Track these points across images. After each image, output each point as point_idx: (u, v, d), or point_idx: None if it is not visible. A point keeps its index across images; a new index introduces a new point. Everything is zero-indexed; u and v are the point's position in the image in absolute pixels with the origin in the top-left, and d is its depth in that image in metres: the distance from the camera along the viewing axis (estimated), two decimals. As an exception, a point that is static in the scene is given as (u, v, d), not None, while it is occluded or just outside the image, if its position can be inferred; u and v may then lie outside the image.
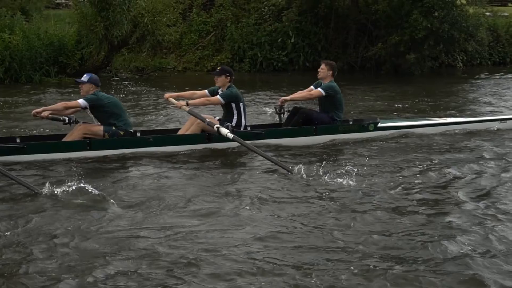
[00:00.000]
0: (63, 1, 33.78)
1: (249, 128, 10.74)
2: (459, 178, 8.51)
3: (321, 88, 10.91)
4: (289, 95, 11.65)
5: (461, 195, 7.66)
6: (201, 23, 28.90)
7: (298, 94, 11.35)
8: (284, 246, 5.96)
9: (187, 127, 10.50)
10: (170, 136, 10.28)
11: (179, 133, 10.45)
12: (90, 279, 5.17)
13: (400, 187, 7.97)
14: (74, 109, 9.95)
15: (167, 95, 10.79)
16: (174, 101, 10.44)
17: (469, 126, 11.99)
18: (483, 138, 11.37)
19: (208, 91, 10.81)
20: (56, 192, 7.43)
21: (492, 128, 12.03)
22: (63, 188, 7.53)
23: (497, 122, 12.29)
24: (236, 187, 7.92)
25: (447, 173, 8.71)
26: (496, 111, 15.35)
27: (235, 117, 10.47)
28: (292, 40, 27.52)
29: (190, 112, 10.14)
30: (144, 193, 7.66)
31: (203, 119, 9.96)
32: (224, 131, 9.50)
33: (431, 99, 17.89)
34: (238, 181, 8.25)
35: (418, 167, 9.09)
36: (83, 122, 10.07)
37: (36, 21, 24.18)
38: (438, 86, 21.12)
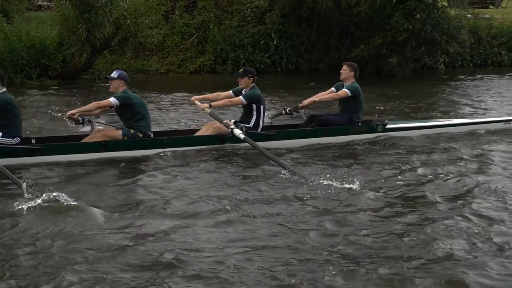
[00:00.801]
0: (45, 3, 33.61)
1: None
2: (464, 178, 8.65)
3: (347, 89, 11.08)
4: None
5: (467, 196, 7.81)
6: (183, 25, 28.87)
7: (325, 95, 11.40)
8: (272, 245, 6.06)
9: (206, 128, 10.75)
10: (184, 137, 10.48)
11: (197, 134, 10.67)
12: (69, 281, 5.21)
13: (403, 188, 8.13)
14: (104, 108, 10.15)
15: (193, 98, 11.03)
16: (199, 103, 10.68)
17: (475, 127, 12.21)
18: (488, 139, 11.56)
19: (232, 91, 11.01)
20: (55, 195, 7.37)
21: (497, 129, 12.25)
22: (69, 189, 7.71)
23: (502, 123, 12.54)
24: (241, 188, 8.06)
25: (452, 174, 8.88)
26: (477, 113, 15.48)
27: (253, 118, 10.68)
28: (275, 42, 27.54)
29: (211, 114, 10.38)
30: (153, 193, 7.84)
31: (220, 120, 10.16)
32: (237, 131, 9.76)
33: (412, 101, 18.01)
34: (244, 182, 8.40)
35: (422, 167, 9.23)
36: (96, 121, 10.18)
37: (17, 23, 24.03)
38: (419, 88, 21.23)
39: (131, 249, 5.92)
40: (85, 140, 9.97)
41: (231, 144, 10.19)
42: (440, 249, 5.91)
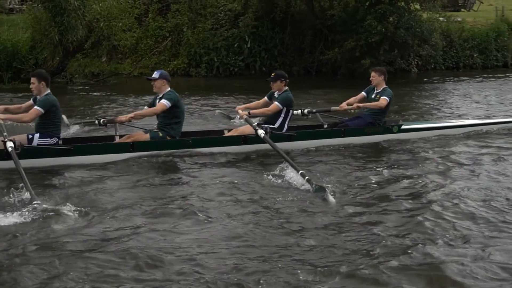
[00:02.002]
0: (16, 6, 33.31)
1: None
2: (475, 178, 8.77)
3: (386, 96, 11.35)
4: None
5: (478, 195, 7.83)
6: (157, 28, 28.86)
7: (371, 104, 11.55)
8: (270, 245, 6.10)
9: (234, 132, 10.95)
10: (208, 138, 10.69)
11: (228, 134, 10.97)
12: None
13: (417, 187, 8.22)
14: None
15: (237, 107, 11.34)
16: (241, 112, 10.89)
17: (487, 128, 12.46)
18: (501, 138, 11.79)
19: (266, 96, 11.30)
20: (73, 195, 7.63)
21: (510, 128, 12.53)
22: (91, 191, 7.84)
23: None
24: (252, 189, 8.12)
25: (465, 173, 9.01)
26: (451, 116, 15.59)
27: (280, 120, 10.80)
28: (249, 45, 27.62)
29: (246, 120, 10.52)
30: (172, 192, 7.95)
31: (251, 123, 10.30)
32: (260, 132, 9.90)
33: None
34: (252, 182, 8.41)
35: (434, 167, 9.41)
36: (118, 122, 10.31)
37: (-12, 26, 23.89)
38: (392, 91, 21.33)
39: (165, 247, 5.99)
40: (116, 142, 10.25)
41: (254, 145, 10.36)
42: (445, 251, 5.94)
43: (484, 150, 10.69)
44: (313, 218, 6.97)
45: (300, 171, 8.31)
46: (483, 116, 15.13)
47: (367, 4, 25.48)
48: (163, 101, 10.01)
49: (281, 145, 9.79)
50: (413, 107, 17.92)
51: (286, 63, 28.01)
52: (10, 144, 8.49)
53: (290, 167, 8.59)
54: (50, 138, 9.52)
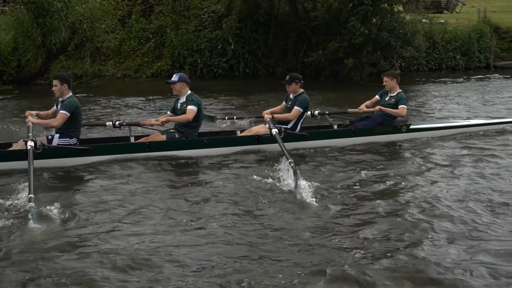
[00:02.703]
0: (-1, 7, 33.12)
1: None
2: (489, 177, 8.97)
3: (405, 105, 11.83)
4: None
5: (486, 197, 7.97)
6: (140, 29, 28.77)
7: (393, 111, 11.84)
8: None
9: (248, 132, 11.28)
10: (223, 138, 11.11)
11: (242, 134, 11.29)
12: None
13: (420, 186, 8.47)
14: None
15: (264, 112, 11.54)
16: (266, 115, 11.15)
17: (494, 127, 12.85)
18: (508, 137, 12.14)
19: (284, 101, 11.69)
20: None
21: None
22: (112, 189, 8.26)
23: None
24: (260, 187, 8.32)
25: (474, 173, 9.22)
26: (431, 116, 15.69)
27: (293, 120, 11.22)
28: (232, 47, 27.59)
29: (266, 121, 10.80)
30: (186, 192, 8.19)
31: (269, 124, 10.61)
32: (273, 131, 10.23)
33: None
34: (252, 182, 8.60)
35: (441, 166, 9.72)
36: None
37: (-30, 27, 23.71)
38: (374, 92, 21.38)
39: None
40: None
41: (267, 145, 10.65)
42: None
43: (494, 150, 10.99)
44: (305, 219, 7.11)
45: (293, 169, 8.42)
46: (484, 117, 15.43)
47: (350, 5, 25.51)
48: (191, 107, 10.29)
49: (294, 145, 10.58)
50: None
51: (270, 65, 28.02)
52: (30, 144, 8.75)
53: (290, 168, 8.65)
54: (70, 139, 9.77)
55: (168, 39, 27.93)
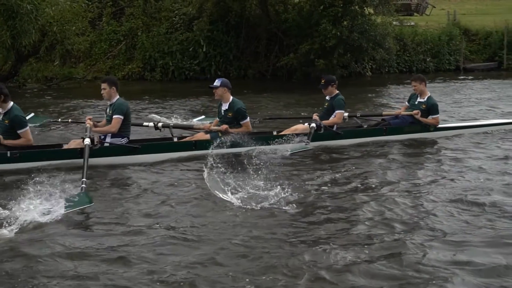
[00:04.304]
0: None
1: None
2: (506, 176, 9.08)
3: (438, 113, 12.43)
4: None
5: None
6: (111, 32, 28.68)
7: (429, 121, 12.39)
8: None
9: (291, 129, 11.79)
10: (263, 137, 11.36)
11: (284, 132, 11.64)
12: None
13: (446, 183, 8.64)
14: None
15: (314, 114, 12.13)
16: (314, 116, 11.98)
17: None
18: None
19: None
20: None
21: None
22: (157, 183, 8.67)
23: None
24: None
25: (500, 170, 9.38)
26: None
27: (330, 118, 11.90)
28: (204, 49, 27.58)
29: (313, 121, 11.58)
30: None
31: (309, 123, 11.45)
32: (312, 125, 11.21)
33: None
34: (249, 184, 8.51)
35: (467, 164, 9.96)
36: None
37: None
38: (346, 94, 21.46)
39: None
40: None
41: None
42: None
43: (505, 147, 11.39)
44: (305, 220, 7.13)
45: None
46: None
47: (321, 7, 25.59)
48: (245, 121, 10.78)
49: (329, 143, 11.41)
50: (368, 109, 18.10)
51: (241, 67, 28.06)
52: (87, 140, 9.21)
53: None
54: (122, 138, 10.12)
55: (139, 42, 27.85)
